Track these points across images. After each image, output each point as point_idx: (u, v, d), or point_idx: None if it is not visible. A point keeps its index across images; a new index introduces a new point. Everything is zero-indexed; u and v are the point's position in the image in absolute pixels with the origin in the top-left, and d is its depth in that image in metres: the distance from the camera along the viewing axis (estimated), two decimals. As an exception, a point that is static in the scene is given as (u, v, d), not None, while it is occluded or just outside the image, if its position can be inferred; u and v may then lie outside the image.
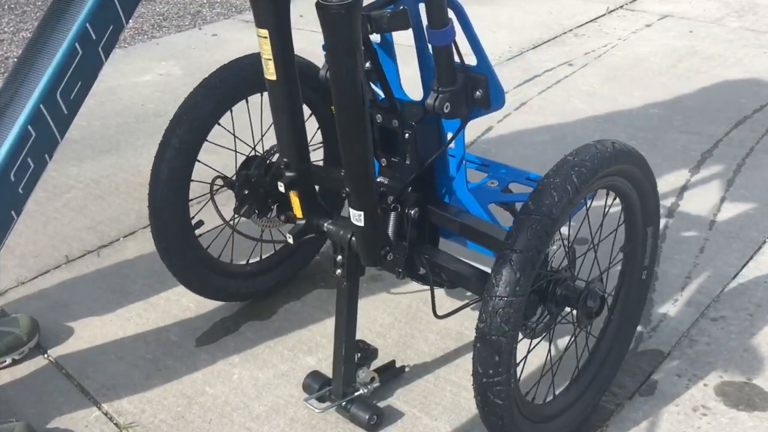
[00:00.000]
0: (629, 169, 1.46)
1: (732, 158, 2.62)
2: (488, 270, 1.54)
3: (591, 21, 3.97)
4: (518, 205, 1.84)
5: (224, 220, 1.76)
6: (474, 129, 2.83)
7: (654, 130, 2.82)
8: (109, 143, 2.81)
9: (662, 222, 2.27)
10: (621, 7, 4.17)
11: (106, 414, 1.65)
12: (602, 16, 4.05)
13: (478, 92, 1.47)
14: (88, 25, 1.36)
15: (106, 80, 3.30)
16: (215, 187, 1.75)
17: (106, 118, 2.97)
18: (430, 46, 1.44)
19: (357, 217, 1.44)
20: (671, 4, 4.18)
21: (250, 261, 1.94)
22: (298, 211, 1.58)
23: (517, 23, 3.94)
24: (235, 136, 1.83)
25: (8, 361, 1.79)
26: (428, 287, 1.56)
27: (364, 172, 1.39)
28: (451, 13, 1.41)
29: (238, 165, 1.76)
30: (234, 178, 1.74)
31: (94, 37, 1.38)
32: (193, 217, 1.76)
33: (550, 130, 2.84)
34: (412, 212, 1.55)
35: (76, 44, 1.36)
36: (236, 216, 1.77)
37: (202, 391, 1.70)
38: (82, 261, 2.14)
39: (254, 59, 1.71)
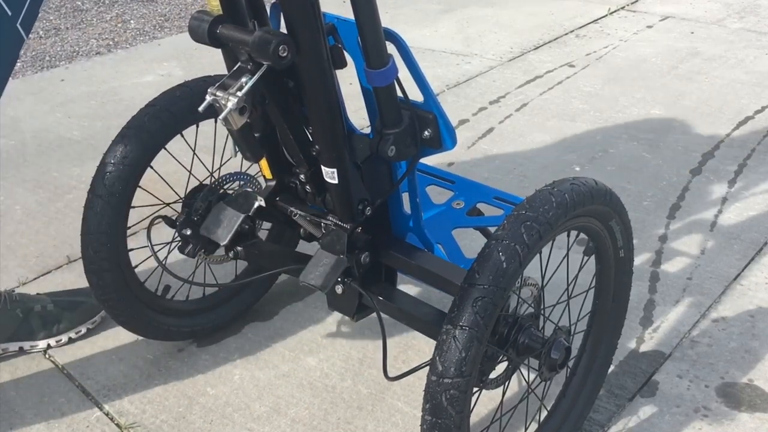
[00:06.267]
0: (599, 209, 1.36)
1: (733, 159, 2.62)
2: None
3: (592, 22, 3.97)
4: (492, 228, 1.71)
5: (156, 257, 1.62)
6: (475, 130, 2.83)
7: (655, 131, 2.82)
8: (111, 144, 2.81)
9: (664, 223, 2.27)
10: (622, 8, 4.17)
11: (107, 414, 1.65)
12: (603, 17, 4.05)
13: (426, 132, 1.37)
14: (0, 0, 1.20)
15: (108, 81, 3.30)
16: (155, 224, 1.61)
17: (107, 118, 2.97)
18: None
19: (330, 175, 1.36)
20: (672, 5, 4.18)
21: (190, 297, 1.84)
22: (267, 172, 1.51)
23: (518, 24, 3.94)
24: (193, 161, 1.71)
25: (83, 330, 1.79)
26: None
27: (335, 124, 1.30)
28: (390, 46, 1.29)
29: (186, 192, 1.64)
30: (176, 216, 1.62)
31: (9, 14, 1.22)
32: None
33: (551, 130, 2.84)
34: (362, 257, 1.44)
35: None
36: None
37: (203, 392, 1.70)
38: (84, 261, 2.14)
39: (177, 94, 1.60)
